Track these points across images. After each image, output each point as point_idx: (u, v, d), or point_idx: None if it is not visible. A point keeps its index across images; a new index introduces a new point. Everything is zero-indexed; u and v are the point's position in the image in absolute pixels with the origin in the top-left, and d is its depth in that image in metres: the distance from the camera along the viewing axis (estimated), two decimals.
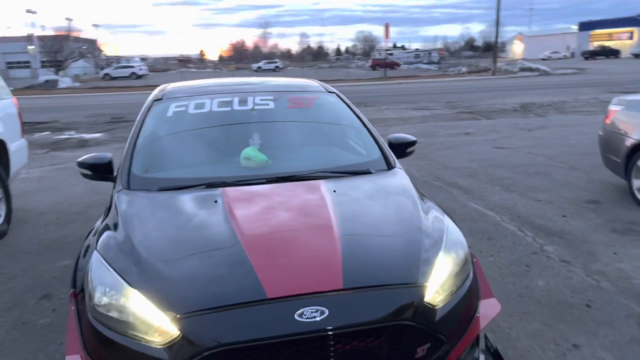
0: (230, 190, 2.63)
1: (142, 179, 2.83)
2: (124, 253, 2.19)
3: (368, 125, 3.40)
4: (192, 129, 3.25)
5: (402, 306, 1.99)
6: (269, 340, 1.84)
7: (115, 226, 2.41)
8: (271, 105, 3.41)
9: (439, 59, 62.66)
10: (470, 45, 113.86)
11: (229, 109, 3.33)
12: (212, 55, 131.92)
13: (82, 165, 3.09)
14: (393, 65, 51.54)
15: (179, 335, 1.87)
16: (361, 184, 2.78)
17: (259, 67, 61.62)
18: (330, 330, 1.87)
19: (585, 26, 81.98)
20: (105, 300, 2.03)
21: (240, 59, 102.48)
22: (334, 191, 2.62)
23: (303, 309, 1.89)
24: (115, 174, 3.04)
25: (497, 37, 35.88)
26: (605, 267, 3.97)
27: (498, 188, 6.40)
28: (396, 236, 2.31)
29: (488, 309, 2.33)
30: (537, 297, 3.53)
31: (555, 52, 68.02)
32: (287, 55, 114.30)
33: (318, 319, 1.88)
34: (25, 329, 3.38)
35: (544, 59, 57.62)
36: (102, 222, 2.56)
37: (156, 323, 1.91)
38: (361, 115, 3.49)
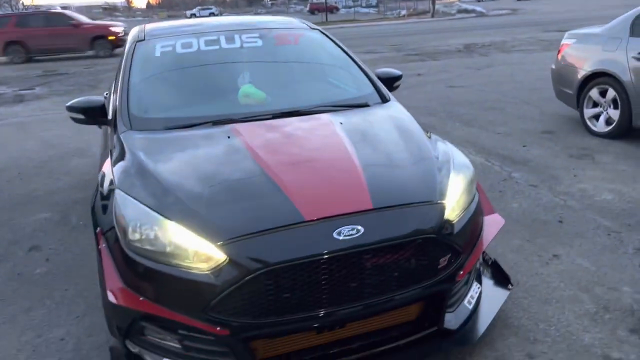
0: (240, 126, 2.66)
1: (145, 119, 2.80)
2: (151, 189, 2.22)
3: (357, 60, 3.47)
4: (184, 69, 3.22)
5: (426, 222, 2.15)
6: (312, 258, 1.96)
7: (132, 165, 2.41)
8: (259, 42, 3.40)
9: (377, 2, 62.15)
10: None
11: (217, 47, 3.30)
12: (140, 3, 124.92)
13: (73, 109, 3.01)
14: (332, 9, 50.80)
15: (225, 260, 1.95)
16: (364, 116, 2.88)
17: (193, 15, 59.06)
18: (366, 246, 2.01)
19: None
20: (144, 234, 2.07)
21: (171, 5, 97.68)
22: (341, 123, 2.72)
23: (340, 228, 2.01)
24: (110, 117, 3.00)
25: None
26: (569, 188, 4.33)
27: (459, 124, 6.67)
28: (410, 161, 2.44)
29: (493, 223, 2.54)
30: (514, 217, 3.82)
31: None
32: (220, 1, 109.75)
33: (355, 236, 2.01)
34: (22, 279, 3.35)
35: (478, 0, 58.30)
36: (113, 162, 2.54)
37: (201, 250, 1.99)
38: (348, 51, 3.55)
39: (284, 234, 2.00)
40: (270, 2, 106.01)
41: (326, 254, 1.97)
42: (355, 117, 2.83)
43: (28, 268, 3.49)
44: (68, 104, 3.07)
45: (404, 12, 45.38)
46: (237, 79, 3.17)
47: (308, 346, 2.18)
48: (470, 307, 2.44)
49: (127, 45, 3.39)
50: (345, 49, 3.58)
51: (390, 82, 3.49)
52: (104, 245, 2.22)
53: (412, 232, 2.11)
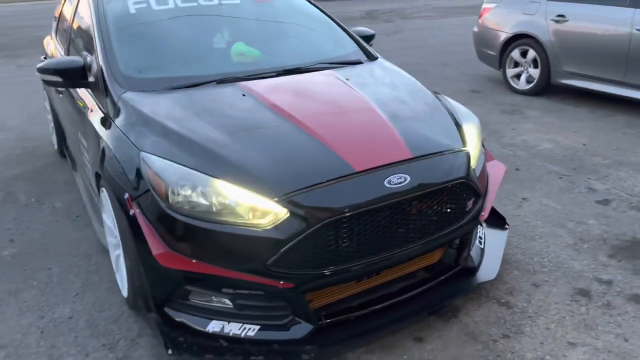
0: (249, 84, 2.60)
1: (143, 80, 2.64)
2: (185, 149, 2.13)
3: (336, 20, 3.49)
4: (168, 26, 3.04)
5: (457, 168, 2.30)
6: (369, 207, 2.03)
7: (152, 127, 2.28)
8: (236, 0, 3.30)
9: None
10: None
11: (194, 4, 3.15)
12: None
13: (47, 71, 2.73)
14: None
15: (286, 214, 1.95)
16: (364, 73, 2.93)
17: None
18: (413, 192, 2.11)
19: None
20: (189, 195, 2.00)
21: None
22: (347, 79, 2.75)
23: (389, 177, 2.09)
24: (91, 79, 2.77)
25: None
26: (512, 140, 4.72)
27: None
28: (426, 112, 2.56)
29: (496, 168, 2.75)
30: None
31: None
32: None
33: (403, 184, 2.10)
34: None
35: None
36: (122, 125, 2.37)
37: (259, 206, 1.97)
38: (325, 11, 3.55)
39: (339, 186, 2.03)
40: None
41: (381, 202, 2.05)
42: (357, 74, 2.88)
43: None
44: (40, 65, 2.78)
45: None
46: (223, 35, 3.07)
47: (351, 293, 2.26)
48: (482, 246, 2.66)
49: (91, 1, 3.10)
50: (322, 9, 3.57)
51: (365, 40, 3.55)
52: (137, 210, 2.11)
53: (449, 177, 2.24)
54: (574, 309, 2.45)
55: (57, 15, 4.41)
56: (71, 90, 3.11)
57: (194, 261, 2.02)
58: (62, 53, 3.65)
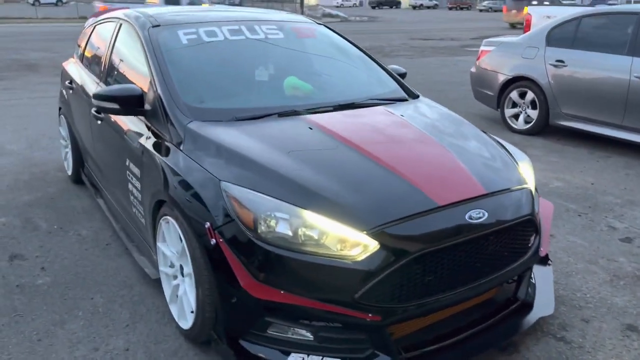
0: (313, 117, 2.64)
1: (208, 110, 2.65)
2: (268, 180, 2.14)
3: (373, 57, 3.60)
4: (220, 58, 3.08)
5: (525, 204, 2.38)
6: (455, 241, 2.08)
7: (230, 156, 2.29)
8: (280, 35, 3.36)
9: (240, 2, 61.80)
10: None
11: (242, 37, 3.20)
12: None
13: (106, 98, 2.72)
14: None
15: (376, 247, 1.98)
16: (415, 110, 3.01)
17: (37, 1, 53.36)
18: (491, 227, 2.18)
19: None
20: (277, 225, 2.01)
21: None
22: (402, 115, 2.83)
23: (470, 212, 2.15)
24: (148, 107, 2.77)
25: None
26: None
27: None
28: (485, 149, 2.65)
29: (545, 206, 2.85)
30: None
31: (347, 0, 72.44)
32: None
33: (483, 219, 2.16)
34: (26, 291, 2.94)
35: (337, 6, 60.92)
36: (194, 155, 2.37)
37: (350, 238, 1.99)
38: (362, 48, 3.66)
39: (425, 220, 2.08)
40: None
41: (465, 236, 2.10)
42: (409, 111, 2.96)
43: (25, 279, 3.06)
44: (97, 92, 2.77)
45: None
46: (274, 69, 3.13)
47: (423, 325, 2.29)
48: (533, 281, 2.73)
49: (139, 32, 3.11)
50: (357, 45, 3.68)
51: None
52: (221, 240, 2.10)
53: (520, 214, 2.32)
54: (627, 344, 2.53)
55: (81, 43, 4.39)
56: (117, 118, 3.08)
57: (282, 292, 2.01)
58: (97, 80, 3.63)
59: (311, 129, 2.54)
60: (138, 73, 3.04)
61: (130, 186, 2.94)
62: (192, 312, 2.36)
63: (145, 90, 2.82)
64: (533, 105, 6.33)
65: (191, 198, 2.26)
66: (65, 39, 19.03)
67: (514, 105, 6.56)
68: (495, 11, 52.62)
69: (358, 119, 2.72)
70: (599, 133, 5.76)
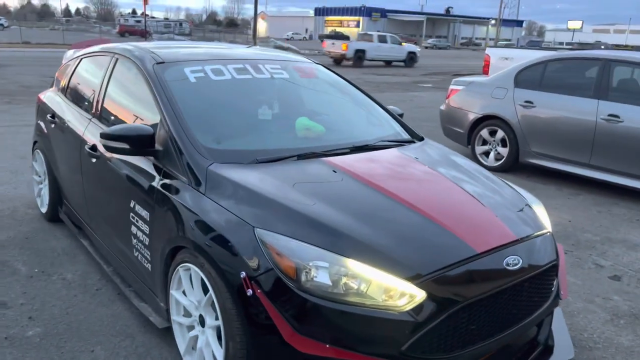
0: (334, 160, 2.61)
1: (229, 152, 2.56)
2: (306, 226, 2.08)
3: (372, 97, 3.62)
4: (229, 97, 3.01)
5: (550, 249, 2.43)
6: (498, 289, 2.08)
7: (259, 202, 2.21)
8: (285, 74, 3.34)
9: (190, 31, 61.63)
10: (213, 19, 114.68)
11: (249, 76, 3.15)
12: None
13: (116, 138, 2.59)
14: (144, 33, 48.79)
15: (424, 297, 1.94)
16: (425, 152, 3.03)
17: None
18: (527, 273, 2.20)
19: (320, 11, 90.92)
20: (319, 275, 1.94)
21: None
22: (416, 158, 2.85)
23: (506, 259, 2.16)
24: (159, 147, 2.65)
25: (255, 15, 37.23)
26: None
27: None
28: (502, 193, 2.68)
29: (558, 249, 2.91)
30: None
31: (297, 34, 73.79)
32: (4, 11, 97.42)
33: (519, 265, 2.17)
34: (16, 344, 2.69)
35: (287, 39, 61.82)
36: (218, 199, 2.28)
37: (397, 287, 1.94)
38: (358, 87, 3.69)
39: (465, 268, 2.06)
40: (64, 19, 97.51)
41: (505, 284, 2.11)
42: (421, 153, 2.98)
43: (13, 330, 2.81)
44: (107, 131, 2.63)
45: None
46: (283, 108, 3.11)
47: None
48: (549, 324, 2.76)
49: (143, 67, 3.00)
50: (355, 84, 3.71)
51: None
52: (259, 291, 2.00)
53: (549, 259, 2.36)
54: None
55: (63, 76, 4.20)
56: (120, 157, 2.92)
57: (327, 346, 1.93)
58: (89, 117, 3.46)
59: (335, 172, 2.50)
60: (142, 111, 2.93)
61: (134, 229, 2.79)
62: None
63: (155, 129, 2.71)
64: (503, 143, 6.56)
65: (219, 245, 2.15)
66: (13, 65, 18.29)
67: (484, 142, 6.78)
68: (439, 49, 54.94)
69: (379, 163, 2.70)
70: (567, 171, 6.02)
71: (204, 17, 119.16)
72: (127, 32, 49.11)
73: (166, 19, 77.34)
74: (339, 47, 26.47)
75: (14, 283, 3.32)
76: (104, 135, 2.64)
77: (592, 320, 3.17)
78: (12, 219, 4.37)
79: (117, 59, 3.38)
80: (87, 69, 3.84)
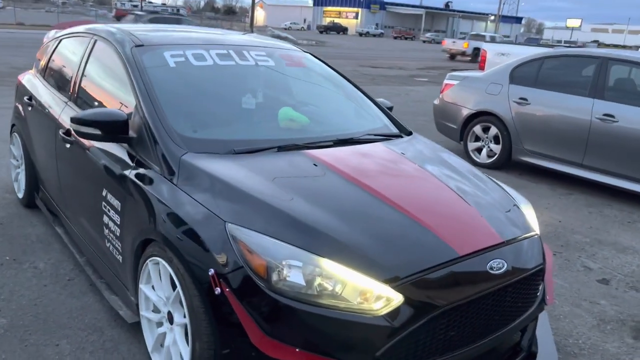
0: (316, 153, 2.49)
1: (205, 141, 2.44)
2: (279, 223, 1.96)
3: (361, 89, 3.50)
4: (210, 84, 2.88)
5: (537, 252, 2.33)
6: (480, 294, 1.97)
7: (235, 195, 2.09)
8: (270, 62, 3.20)
9: (187, 18, 60.95)
10: (211, 6, 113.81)
11: (232, 63, 3.02)
12: None
13: (86, 122, 2.47)
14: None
15: (401, 300, 1.84)
16: (413, 147, 2.91)
17: None
18: (511, 277, 2.10)
19: (319, 2, 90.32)
20: (292, 275, 1.84)
21: None
22: (403, 153, 2.73)
23: (490, 262, 2.06)
24: (133, 134, 2.53)
25: (253, 3, 36.91)
26: None
27: None
28: (491, 193, 2.58)
29: (547, 252, 2.81)
30: None
31: (295, 23, 73.28)
32: None
33: (503, 269, 2.07)
34: None
35: (285, 29, 61.40)
36: (190, 190, 2.16)
37: (374, 290, 1.84)
38: (348, 78, 3.56)
39: (446, 271, 1.96)
40: (61, 1, 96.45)
41: (488, 288, 2.01)
42: (408, 148, 2.86)
43: None
44: (79, 115, 2.50)
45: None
46: (266, 97, 2.99)
47: None
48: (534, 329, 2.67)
49: (121, 51, 2.86)
50: (344, 75, 3.58)
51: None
52: (227, 290, 1.89)
53: (535, 263, 2.26)
54: None
55: (43, 57, 4.05)
56: (93, 142, 2.80)
57: (297, 350, 1.83)
58: (65, 100, 3.32)
59: (316, 165, 2.39)
60: (119, 96, 2.80)
61: (105, 218, 2.67)
62: None
63: (129, 115, 2.58)
64: (496, 140, 6.45)
65: (189, 239, 2.04)
66: (5, 46, 18.01)
67: (477, 139, 6.68)
68: (437, 43, 54.80)
69: (363, 158, 2.59)
70: (560, 170, 5.93)
71: (202, 3, 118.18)
72: (122, 17, 48.49)
73: (163, 4, 76.62)
74: (460, 45, 32.09)
75: None
76: (74, 120, 2.51)
77: (578, 325, 3.08)
78: None
79: (95, 41, 3.24)
80: (66, 50, 3.69)
